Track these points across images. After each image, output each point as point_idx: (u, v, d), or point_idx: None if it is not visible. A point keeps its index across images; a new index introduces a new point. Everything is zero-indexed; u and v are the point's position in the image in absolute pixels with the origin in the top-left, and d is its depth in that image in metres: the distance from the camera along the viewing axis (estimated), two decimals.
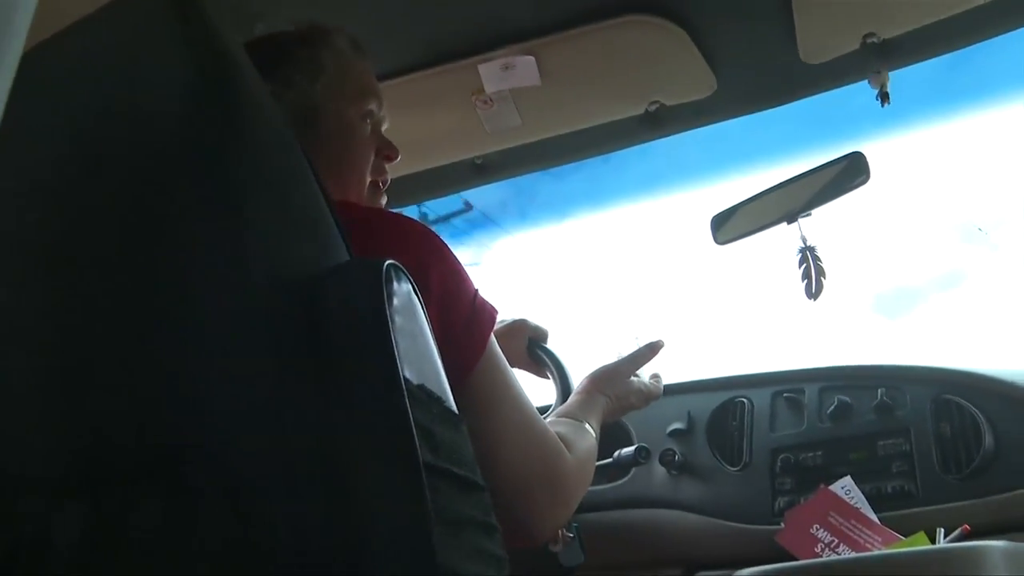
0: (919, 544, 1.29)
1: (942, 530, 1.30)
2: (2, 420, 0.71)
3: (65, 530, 0.65)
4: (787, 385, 1.64)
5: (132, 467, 0.66)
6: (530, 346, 1.50)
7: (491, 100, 1.55)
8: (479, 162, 1.77)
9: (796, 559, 1.35)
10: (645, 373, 1.43)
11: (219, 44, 0.73)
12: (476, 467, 0.74)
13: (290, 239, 0.73)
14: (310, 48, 1.12)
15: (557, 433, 1.09)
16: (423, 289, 0.77)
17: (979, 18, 1.41)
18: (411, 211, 1.98)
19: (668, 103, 1.61)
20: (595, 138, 1.71)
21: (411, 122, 1.35)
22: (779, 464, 1.54)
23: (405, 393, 0.65)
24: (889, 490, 1.42)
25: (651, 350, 1.41)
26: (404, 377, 0.65)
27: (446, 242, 1.01)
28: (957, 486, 1.37)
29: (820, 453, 1.52)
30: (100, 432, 0.68)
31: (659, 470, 1.64)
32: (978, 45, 1.48)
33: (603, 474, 1.58)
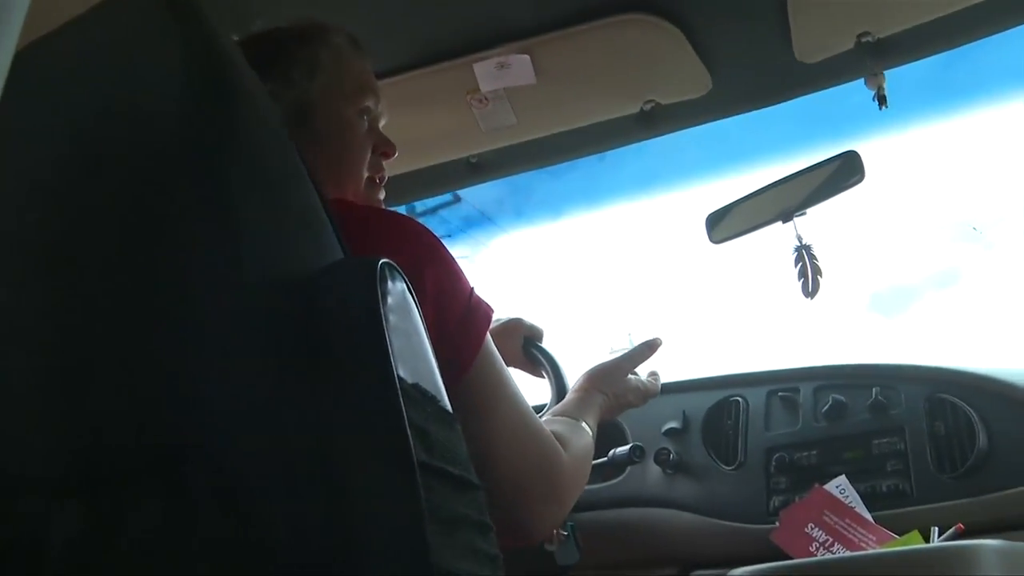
0: (913, 543, 1.29)
1: (936, 529, 1.30)
2: (2, 420, 0.71)
3: (64, 530, 0.65)
4: (782, 384, 1.64)
5: (131, 467, 0.66)
6: (525, 345, 1.50)
7: (486, 99, 1.55)
8: (475, 161, 1.77)
9: (791, 558, 1.35)
10: (643, 371, 1.43)
11: (215, 43, 0.73)
12: (470, 466, 0.74)
13: (286, 239, 0.73)
14: (308, 45, 1.12)
15: (553, 432, 1.09)
16: (418, 288, 0.77)
17: (973, 17, 1.42)
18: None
19: (663, 102, 1.61)
20: (590, 137, 1.72)
21: (406, 121, 1.35)
22: (774, 463, 1.54)
23: (399, 392, 0.65)
24: (884, 489, 1.42)
25: (649, 348, 1.41)
26: (398, 376, 0.65)
27: (442, 240, 1.01)
28: (951, 485, 1.38)
29: (815, 452, 1.52)
30: (99, 432, 0.68)
31: (654, 469, 1.64)
32: (972, 44, 1.48)
33: (598, 473, 1.58)
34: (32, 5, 0.43)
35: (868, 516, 1.37)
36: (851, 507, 1.38)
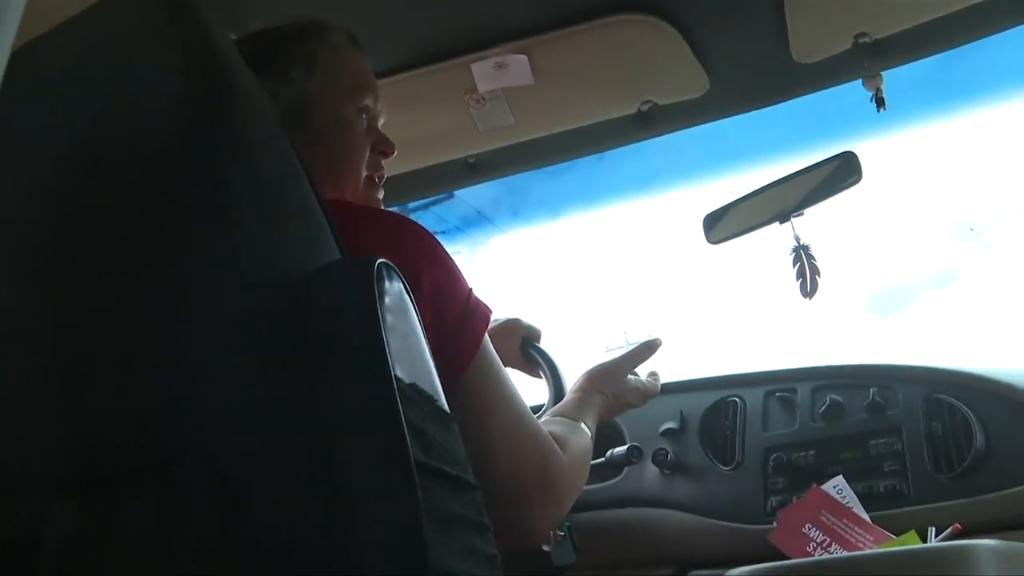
0: (910, 543, 1.30)
1: (933, 529, 1.30)
2: (1, 420, 0.71)
3: (62, 529, 0.65)
4: (779, 384, 1.64)
5: (129, 467, 0.66)
6: (523, 345, 1.50)
7: (484, 99, 1.55)
8: (472, 161, 1.77)
9: (788, 558, 1.35)
10: (643, 371, 1.43)
11: (212, 43, 0.73)
12: (468, 466, 0.74)
13: (283, 239, 0.73)
14: (306, 43, 1.12)
15: (552, 432, 1.09)
16: (416, 289, 0.77)
17: (970, 18, 1.42)
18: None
19: (661, 102, 1.61)
20: (587, 137, 1.72)
21: (404, 121, 1.35)
22: (771, 463, 1.54)
23: (397, 392, 0.65)
24: (881, 489, 1.42)
25: (648, 348, 1.41)
26: (396, 376, 0.65)
27: (440, 241, 1.01)
28: (948, 485, 1.38)
29: (812, 452, 1.52)
30: (98, 432, 0.68)
31: (652, 469, 1.64)
32: (969, 44, 1.49)
33: (596, 473, 1.58)
34: (29, 4, 0.43)
35: (865, 516, 1.37)
36: (848, 507, 1.38)
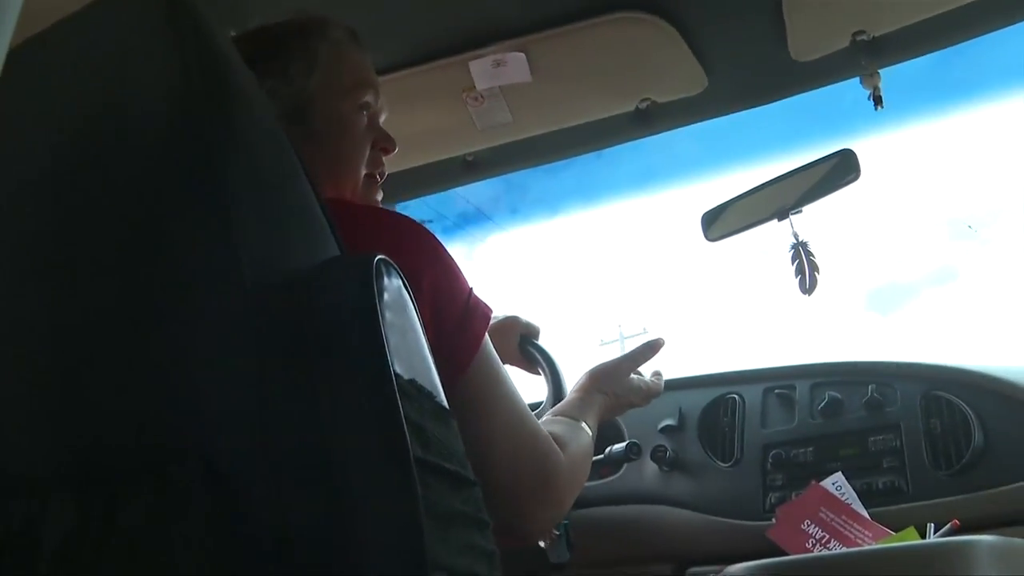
0: (909, 539, 1.30)
1: (932, 525, 1.31)
2: (1, 419, 0.71)
3: (61, 529, 0.65)
4: (778, 381, 1.64)
5: (129, 466, 0.66)
6: (522, 343, 1.50)
7: (482, 97, 1.55)
8: (470, 159, 1.77)
9: (787, 555, 1.35)
10: (646, 371, 1.43)
11: (211, 41, 0.73)
12: (467, 463, 0.74)
13: (282, 238, 0.73)
14: (306, 40, 1.11)
15: (552, 432, 1.08)
16: (416, 288, 0.76)
17: (968, 16, 1.42)
18: None
19: (659, 100, 1.61)
20: (586, 135, 1.72)
21: (402, 119, 1.35)
22: (770, 460, 1.54)
23: (396, 388, 0.65)
24: (880, 486, 1.43)
25: (651, 348, 1.40)
26: (395, 372, 0.65)
27: (440, 240, 1.01)
28: (947, 482, 1.38)
29: (811, 449, 1.52)
30: (97, 431, 0.68)
31: (650, 466, 1.64)
32: (966, 42, 1.49)
33: (594, 470, 1.58)
34: (26, 2, 0.43)
35: (864, 512, 1.38)
36: (847, 504, 1.39)
